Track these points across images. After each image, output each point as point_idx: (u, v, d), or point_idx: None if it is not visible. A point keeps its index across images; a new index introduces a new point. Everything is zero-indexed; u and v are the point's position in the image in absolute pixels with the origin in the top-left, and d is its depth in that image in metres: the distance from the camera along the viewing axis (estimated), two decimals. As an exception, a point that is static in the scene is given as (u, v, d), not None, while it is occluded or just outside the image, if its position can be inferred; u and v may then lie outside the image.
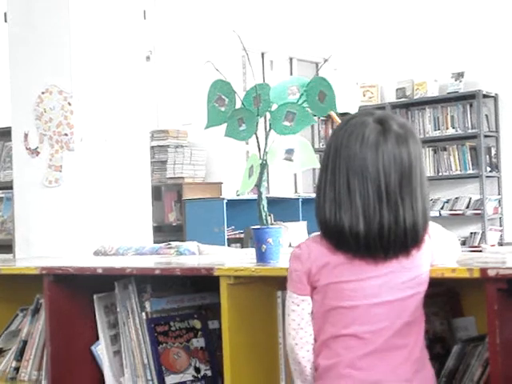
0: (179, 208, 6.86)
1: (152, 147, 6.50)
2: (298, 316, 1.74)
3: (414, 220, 1.63)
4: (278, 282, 2.01)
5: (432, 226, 1.73)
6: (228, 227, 6.33)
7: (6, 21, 4.49)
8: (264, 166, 2.12)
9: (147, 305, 2.27)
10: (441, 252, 1.75)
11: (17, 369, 2.56)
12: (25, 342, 2.55)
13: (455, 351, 1.79)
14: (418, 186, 1.65)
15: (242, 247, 6.10)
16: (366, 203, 1.62)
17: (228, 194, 6.77)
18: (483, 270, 1.63)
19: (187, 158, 6.97)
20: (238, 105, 2.17)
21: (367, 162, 1.63)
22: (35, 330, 2.53)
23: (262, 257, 2.08)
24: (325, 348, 1.70)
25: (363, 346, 1.65)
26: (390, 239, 1.62)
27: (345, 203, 1.63)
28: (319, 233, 1.72)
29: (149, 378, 2.25)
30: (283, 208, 6.48)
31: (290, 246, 5.92)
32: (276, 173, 7.36)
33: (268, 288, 2.03)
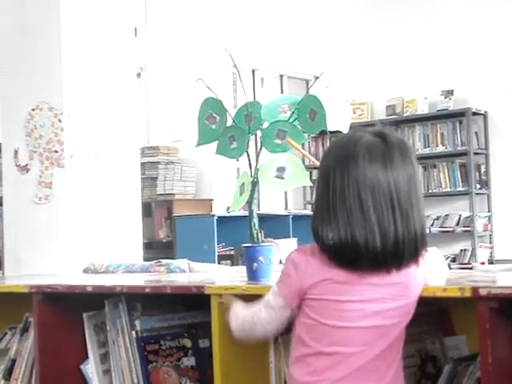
0: (169, 224, 6.84)
1: (142, 164, 6.49)
2: (271, 315, 1.77)
3: (422, 227, 1.68)
4: (269, 301, 1.99)
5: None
6: (218, 244, 6.31)
7: (-4, 37, 4.49)
8: (255, 183, 2.12)
9: (137, 323, 2.25)
10: (433, 273, 1.76)
11: (5, 388, 2.53)
12: (13, 361, 2.53)
13: (447, 370, 1.79)
14: (420, 194, 1.70)
15: (233, 264, 6.08)
16: (380, 217, 1.63)
17: (218, 210, 6.76)
18: (475, 289, 1.63)
19: (177, 175, 6.96)
20: (229, 122, 2.17)
21: (378, 176, 1.63)
22: (24, 349, 2.50)
23: (252, 275, 2.07)
24: (303, 362, 1.70)
25: (343, 367, 1.65)
26: (404, 249, 1.64)
27: (358, 220, 1.63)
28: (315, 246, 1.71)
29: (139, 397, 2.23)
30: (274, 224, 6.47)
31: (280, 263, 5.90)
32: (267, 189, 7.36)
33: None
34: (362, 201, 1.63)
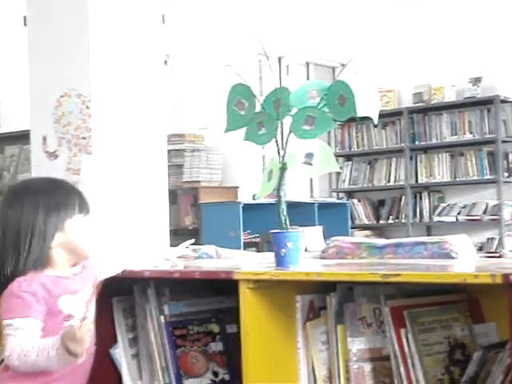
0: (195, 212, 6.86)
1: (168, 151, 6.48)
2: None
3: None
4: (298, 287, 2.00)
5: None
6: (244, 231, 6.32)
7: (25, 24, 4.51)
8: (284, 169, 2.12)
9: (165, 308, 2.27)
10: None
11: (35, 371, 2.56)
12: (43, 345, 2.55)
13: (476, 358, 1.78)
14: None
15: (258, 251, 6.09)
16: None
17: (244, 198, 6.77)
18: (506, 276, 1.62)
19: (203, 162, 6.97)
20: (258, 108, 2.17)
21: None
22: (54, 333, 2.53)
23: (281, 261, 2.08)
24: None
25: None
26: None
27: None
28: None
29: (167, 381, 2.25)
30: (299, 212, 6.45)
31: (306, 250, 5.90)
32: (292, 177, 7.33)
33: (287, 292, 2.03)
34: None
